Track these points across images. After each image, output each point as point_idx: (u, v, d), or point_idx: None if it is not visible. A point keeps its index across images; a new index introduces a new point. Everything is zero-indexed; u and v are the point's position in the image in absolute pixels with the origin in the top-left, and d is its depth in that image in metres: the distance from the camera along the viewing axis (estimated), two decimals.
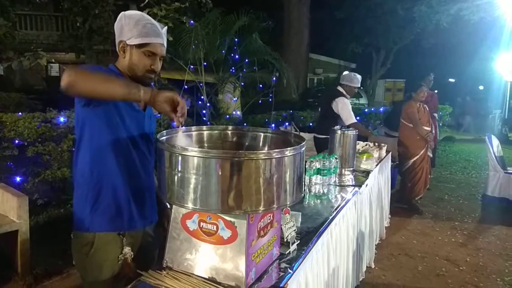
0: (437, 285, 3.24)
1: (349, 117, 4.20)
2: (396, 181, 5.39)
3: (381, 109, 10.25)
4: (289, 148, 1.26)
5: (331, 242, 2.03)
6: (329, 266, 1.96)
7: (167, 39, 1.58)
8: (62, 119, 4.07)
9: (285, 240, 1.58)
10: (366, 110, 10.06)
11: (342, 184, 2.85)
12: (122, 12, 1.49)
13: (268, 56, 6.64)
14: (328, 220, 2.01)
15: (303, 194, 1.46)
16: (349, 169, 3.21)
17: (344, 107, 4.25)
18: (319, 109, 5.53)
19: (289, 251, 1.57)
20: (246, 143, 1.65)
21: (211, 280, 1.30)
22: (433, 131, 5.14)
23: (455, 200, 5.65)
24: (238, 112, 7.58)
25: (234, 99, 7.55)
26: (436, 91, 6.94)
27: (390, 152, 4.32)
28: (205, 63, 6.13)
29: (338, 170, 2.93)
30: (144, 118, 1.57)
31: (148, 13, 1.60)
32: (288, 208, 1.59)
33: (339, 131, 3.26)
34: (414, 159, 4.89)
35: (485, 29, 12.40)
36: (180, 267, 1.36)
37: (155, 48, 1.48)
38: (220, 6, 6.45)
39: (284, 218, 1.59)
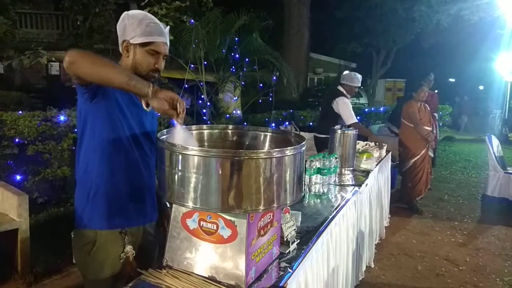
0: (437, 285, 3.24)
1: (350, 117, 4.20)
2: (396, 181, 5.39)
3: (381, 109, 10.27)
4: (289, 148, 1.26)
5: (331, 241, 2.03)
6: (328, 266, 1.97)
7: None
8: (62, 117, 4.07)
9: (285, 239, 1.58)
10: (366, 109, 10.08)
11: (342, 183, 2.85)
12: (125, 12, 1.49)
13: (268, 56, 6.63)
14: (328, 220, 2.01)
15: (303, 194, 1.46)
16: (349, 168, 3.21)
17: (344, 106, 4.25)
18: (320, 109, 5.53)
19: (289, 250, 1.57)
20: (246, 143, 1.66)
21: (211, 279, 1.30)
22: (434, 131, 5.14)
23: (455, 200, 5.66)
24: (238, 112, 7.58)
25: (235, 98, 7.55)
26: (436, 91, 6.95)
27: (390, 152, 4.33)
28: (205, 62, 6.13)
29: (338, 170, 2.93)
30: (146, 117, 1.58)
31: (148, 12, 1.59)
32: (288, 207, 1.60)
33: (339, 131, 3.26)
34: (415, 159, 4.89)
35: (485, 29, 12.40)
36: (180, 266, 1.37)
37: (159, 47, 1.49)
38: (221, 5, 6.44)
39: (284, 218, 1.59)
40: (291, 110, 8.38)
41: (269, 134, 1.65)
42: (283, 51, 11.59)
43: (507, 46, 11.62)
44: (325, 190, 2.56)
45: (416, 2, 12.29)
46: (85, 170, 1.49)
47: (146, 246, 1.63)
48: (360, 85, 4.47)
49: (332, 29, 16.48)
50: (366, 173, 3.23)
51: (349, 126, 3.85)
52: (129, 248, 1.52)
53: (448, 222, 4.71)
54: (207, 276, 1.31)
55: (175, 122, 1.30)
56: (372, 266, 3.44)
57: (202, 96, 6.23)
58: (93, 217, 1.49)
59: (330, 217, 2.06)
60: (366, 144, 4.10)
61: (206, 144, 1.64)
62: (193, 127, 1.65)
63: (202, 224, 1.31)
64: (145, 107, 1.25)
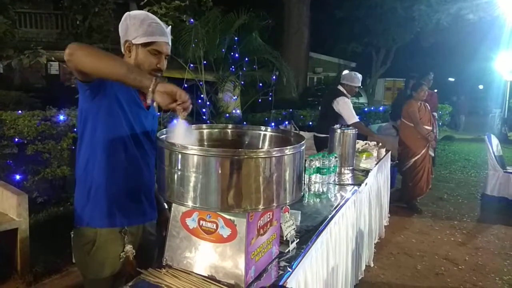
0: (436, 284, 3.24)
1: (351, 116, 4.20)
2: (396, 180, 5.39)
3: (380, 108, 10.27)
4: (288, 147, 1.26)
5: (331, 240, 2.03)
6: (328, 265, 1.97)
7: None
8: (61, 117, 4.07)
9: (285, 238, 1.58)
10: (366, 109, 10.08)
11: (342, 183, 2.85)
12: (127, 12, 1.50)
13: (268, 55, 6.63)
14: (328, 219, 2.01)
15: (302, 193, 1.46)
16: (348, 168, 3.21)
17: (345, 106, 4.25)
18: (319, 108, 5.53)
19: (289, 250, 1.57)
20: (246, 142, 1.65)
21: (211, 278, 1.30)
22: (434, 131, 5.14)
23: (454, 199, 5.66)
24: (238, 111, 7.58)
25: (234, 97, 7.54)
26: (435, 90, 6.95)
27: (390, 151, 4.33)
28: (205, 62, 6.13)
29: (337, 169, 2.93)
30: (147, 116, 1.58)
31: (148, 11, 1.59)
32: (288, 206, 1.60)
33: (338, 130, 3.26)
34: (415, 158, 4.89)
35: (485, 28, 12.41)
36: (180, 265, 1.37)
37: (161, 47, 1.49)
38: (220, 4, 6.45)
39: (283, 217, 1.59)
40: (291, 110, 8.39)
41: (268, 133, 1.65)
42: (283, 50, 11.59)
43: (506, 46, 11.62)
44: (325, 190, 2.56)
45: (415, 2, 12.29)
46: (85, 169, 1.49)
47: (145, 245, 1.63)
48: (360, 85, 4.47)
49: (331, 29, 16.50)
50: (366, 172, 3.23)
51: (350, 125, 3.85)
52: (129, 247, 1.52)
53: (447, 221, 4.71)
54: (207, 275, 1.31)
55: (178, 117, 1.27)
56: (372, 265, 3.44)
57: (202, 96, 6.23)
58: (93, 215, 1.49)
59: (330, 216, 2.06)
60: (365, 144, 4.10)
61: (205, 143, 1.64)
62: (193, 126, 1.65)
63: (202, 224, 1.31)
64: (148, 102, 1.22)
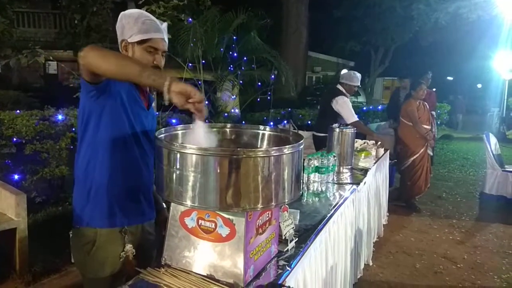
0: (435, 283, 3.25)
1: (350, 116, 4.20)
2: (395, 179, 5.40)
3: (379, 107, 10.28)
4: (287, 146, 1.26)
5: (329, 239, 2.03)
6: (327, 264, 1.97)
7: None
8: (60, 116, 4.07)
9: (283, 237, 1.58)
10: (364, 108, 10.09)
11: (340, 182, 2.85)
12: (122, 12, 1.50)
13: (266, 54, 6.62)
14: (326, 218, 2.01)
15: (301, 192, 1.46)
16: (347, 167, 3.21)
17: (344, 105, 4.25)
18: (318, 107, 5.53)
19: (287, 249, 1.57)
20: (245, 141, 1.66)
21: (210, 277, 1.30)
22: (432, 130, 5.14)
23: (453, 198, 5.67)
24: (237, 110, 7.58)
25: (233, 97, 7.54)
26: (434, 89, 6.95)
27: (388, 150, 4.33)
28: (203, 61, 6.12)
29: (336, 168, 2.93)
30: (147, 116, 1.58)
31: (146, 11, 1.59)
32: (287, 205, 1.60)
33: (337, 129, 3.26)
34: (414, 157, 4.89)
35: (483, 27, 12.42)
36: (179, 264, 1.37)
37: (157, 43, 1.49)
38: (219, 4, 6.43)
39: (282, 216, 1.59)
40: (289, 109, 8.39)
41: (267, 132, 1.65)
42: (281, 49, 11.59)
43: (505, 44, 11.64)
44: (324, 189, 2.56)
45: (414, 1, 12.31)
46: (86, 169, 1.48)
47: (145, 245, 1.63)
48: (359, 84, 4.48)
49: (330, 28, 16.50)
50: (364, 171, 3.23)
51: (349, 124, 3.85)
52: (129, 247, 1.52)
53: (446, 220, 4.72)
54: (206, 275, 1.31)
55: (195, 118, 1.24)
56: (371, 264, 3.45)
57: None
58: (93, 215, 1.49)
59: (329, 215, 2.06)
60: (364, 143, 4.10)
61: None
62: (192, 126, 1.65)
63: (201, 223, 1.31)
64: (165, 102, 1.19)
